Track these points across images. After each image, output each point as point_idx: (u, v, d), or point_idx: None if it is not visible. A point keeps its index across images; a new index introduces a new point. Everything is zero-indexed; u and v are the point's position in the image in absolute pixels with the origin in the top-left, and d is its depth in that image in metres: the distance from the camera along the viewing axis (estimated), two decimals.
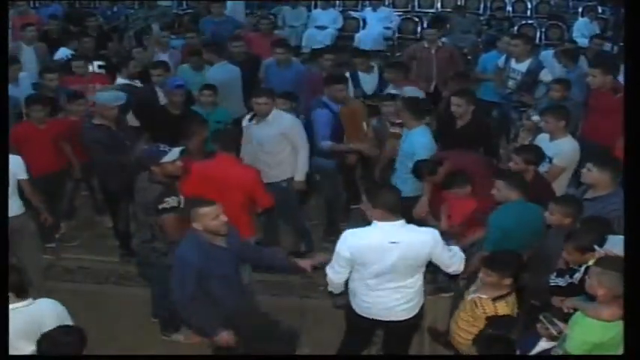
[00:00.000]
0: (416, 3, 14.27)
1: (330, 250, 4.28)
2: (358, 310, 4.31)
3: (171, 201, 4.76)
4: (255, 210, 5.58)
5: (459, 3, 13.66)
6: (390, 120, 6.61)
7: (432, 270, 6.10)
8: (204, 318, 4.35)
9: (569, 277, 4.16)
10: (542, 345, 4.01)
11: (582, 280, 3.89)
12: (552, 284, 4.23)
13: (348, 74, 7.46)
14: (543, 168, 5.61)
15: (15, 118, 6.50)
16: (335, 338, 4.80)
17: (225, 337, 4.33)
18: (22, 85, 7.33)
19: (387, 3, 13.97)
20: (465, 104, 6.18)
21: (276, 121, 6.01)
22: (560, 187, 5.64)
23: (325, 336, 5.16)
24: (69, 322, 3.86)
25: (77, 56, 7.99)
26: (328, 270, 4.28)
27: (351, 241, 4.08)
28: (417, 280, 4.22)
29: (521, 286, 4.41)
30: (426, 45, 8.86)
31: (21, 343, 3.72)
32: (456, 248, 4.36)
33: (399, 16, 13.56)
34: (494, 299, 4.15)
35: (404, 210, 4.23)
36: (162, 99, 7.04)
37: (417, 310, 4.31)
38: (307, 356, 5.00)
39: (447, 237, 5.45)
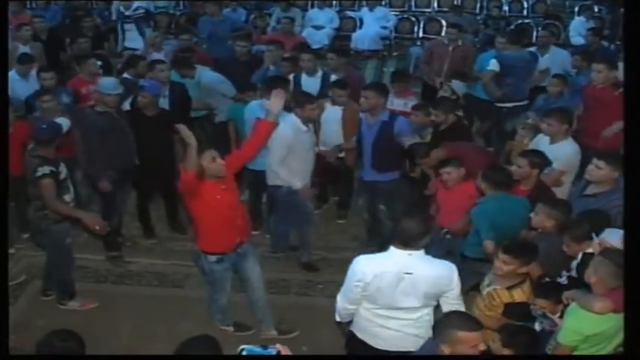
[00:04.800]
0: (412, 2, 14.30)
1: None
2: (366, 340, 4.02)
3: (42, 169, 5.22)
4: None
5: (455, 2, 13.66)
6: None
7: None
8: None
9: (565, 272, 4.16)
10: (537, 326, 4.04)
11: (580, 270, 3.94)
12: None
13: (291, 76, 7.48)
14: (544, 172, 5.52)
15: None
16: (333, 336, 4.81)
17: None
18: (30, 82, 7.46)
19: (383, 3, 13.97)
20: (442, 114, 6.31)
21: None
22: (562, 193, 5.49)
23: (323, 334, 5.17)
24: None
25: (85, 56, 7.94)
26: (339, 298, 3.96)
27: (365, 267, 3.79)
28: (427, 314, 3.93)
29: None
30: (445, 42, 8.97)
31: None
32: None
33: (396, 15, 13.58)
34: (509, 288, 4.14)
35: None
36: None
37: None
38: (307, 356, 4.99)
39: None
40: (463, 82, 7.24)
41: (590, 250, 4.03)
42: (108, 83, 6.32)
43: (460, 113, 6.78)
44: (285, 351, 2.73)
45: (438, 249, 5.62)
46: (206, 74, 7.80)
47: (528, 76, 8.04)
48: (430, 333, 3.80)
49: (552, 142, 5.69)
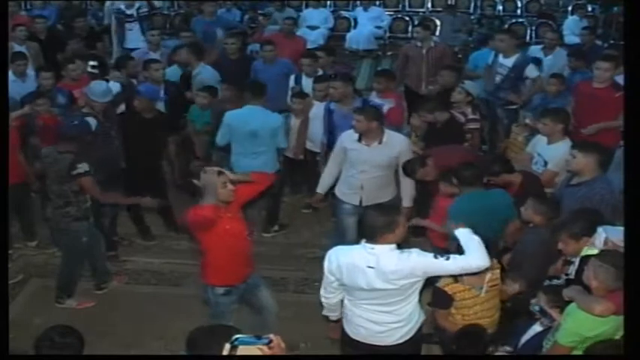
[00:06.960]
0: (407, 2, 14.31)
1: None
2: (351, 334, 4.04)
3: (82, 166, 5.32)
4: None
5: (449, 2, 13.68)
6: None
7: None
8: None
9: (564, 274, 4.18)
10: (536, 329, 4.06)
11: (578, 272, 3.94)
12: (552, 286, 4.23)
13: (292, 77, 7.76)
14: (538, 171, 5.62)
15: None
16: None
17: None
18: (27, 82, 7.51)
19: (377, 2, 13.98)
20: (428, 115, 6.38)
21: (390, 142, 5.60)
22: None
23: (321, 332, 5.16)
24: None
25: (71, 58, 7.95)
26: (321, 291, 4.08)
27: (334, 258, 3.88)
28: (408, 306, 3.90)
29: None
30: (418, 44, 8.88)
31: None
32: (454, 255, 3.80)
33: (390, 15, 13.62)
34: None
35: None
36: None
37: (411, 335, 3.98)
38: (306, 356, 5.00)
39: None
40: (476, 83, 7.26)
41: (589, 252, 3.99)
42: (97, 89, 6.28)
43: (477, 116, 6.82)
44: (277, 341, 2.71)
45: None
46: (206, 70, 7.86)
47: None
48: (416, 324, 3.95)
49: (549, 142, 5.71)
